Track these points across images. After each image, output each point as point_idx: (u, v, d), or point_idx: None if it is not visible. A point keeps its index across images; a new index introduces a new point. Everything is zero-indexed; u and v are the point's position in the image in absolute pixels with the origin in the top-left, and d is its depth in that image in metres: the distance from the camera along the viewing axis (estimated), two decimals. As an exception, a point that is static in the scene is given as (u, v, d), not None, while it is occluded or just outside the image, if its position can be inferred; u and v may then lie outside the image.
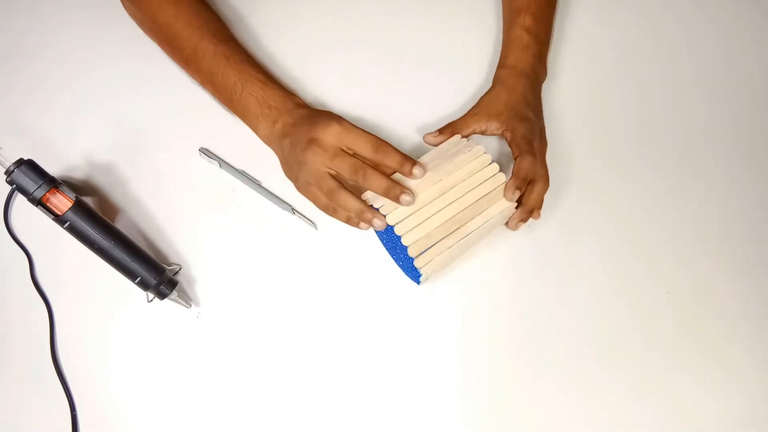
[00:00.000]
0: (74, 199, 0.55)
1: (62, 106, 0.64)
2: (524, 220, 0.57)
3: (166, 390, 0.56)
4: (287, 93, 0.59)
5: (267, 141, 0.59)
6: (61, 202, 0.55)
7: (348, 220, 0.55)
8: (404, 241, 0.52)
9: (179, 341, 0.57)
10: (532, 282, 0.60)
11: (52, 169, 0.57)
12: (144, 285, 0.55)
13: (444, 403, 0.56)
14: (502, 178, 0.55)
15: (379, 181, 0.52)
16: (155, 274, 0.55)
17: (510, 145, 0.58)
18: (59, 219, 0.54)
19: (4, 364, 0.57)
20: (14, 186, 0.54)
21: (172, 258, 0.59)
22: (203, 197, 0.61)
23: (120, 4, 0.64)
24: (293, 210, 0.60)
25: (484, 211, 0.55)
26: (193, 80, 0.63)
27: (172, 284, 0.56)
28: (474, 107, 0.61)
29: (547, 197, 0.58)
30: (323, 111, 0.57)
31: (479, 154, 0.56)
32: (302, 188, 0.56)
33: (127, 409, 0.56)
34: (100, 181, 0.61)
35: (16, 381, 0.56)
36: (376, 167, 0.53)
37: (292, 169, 0.56)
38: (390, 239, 0.56)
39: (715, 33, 0.71)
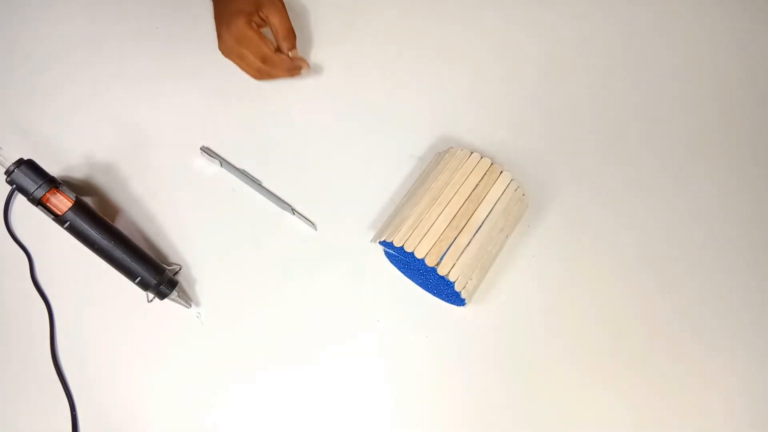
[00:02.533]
0: (74, 199, 0.55)
1: (62, 106, 0.64)
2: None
3: (165, 390, 0.56)
4: None
5: None
6: (61, 202, 0.55)
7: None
8: (417, 254, 0.50)
9: (179, 341, 0.57)
10: (531, 282, 0.60)
11: (52, 169, 0.57)
12: (144, 285, 0.55)
13: (444, 403, 0.56)
14: (488, 162, 0.55)
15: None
16: (155, 274, 0.55)
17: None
18: (59, 219, 0.54)
19: (4, 364, 0.57)
20: (14, 186, 0.54)
21: (172, 258, 0.60)
22: (203, 197, 0.61)
23: (120, 5, 0.64)
24: (293, 210, 0.60)
25: (484, 197, 0.54)
26: None
27: (172, 284, 0.56)
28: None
29: (548, 195, 0.57)
30: None
31: (456, 152, 0.56)
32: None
33: (127, 409, 0.56)
34: (100, 181, 0.61)
35: (16, 381, 0.56)
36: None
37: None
38: (421, 274, 0.55)
39: (723, 28, 0.71)
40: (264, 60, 0.61)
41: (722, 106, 0.67)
